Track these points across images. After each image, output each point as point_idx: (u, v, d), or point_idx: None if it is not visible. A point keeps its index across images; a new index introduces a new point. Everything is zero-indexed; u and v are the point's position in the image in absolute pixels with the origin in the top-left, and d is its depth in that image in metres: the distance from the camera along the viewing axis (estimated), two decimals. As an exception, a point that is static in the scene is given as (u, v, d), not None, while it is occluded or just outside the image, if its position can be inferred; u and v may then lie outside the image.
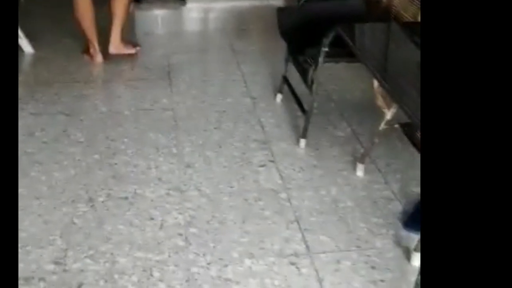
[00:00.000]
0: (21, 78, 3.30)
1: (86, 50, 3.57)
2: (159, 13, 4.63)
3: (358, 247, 2.00)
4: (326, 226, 2.10)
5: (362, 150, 2.53)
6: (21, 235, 2.02)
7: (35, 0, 4.41)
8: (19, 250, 1.94)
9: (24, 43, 3.58)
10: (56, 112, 2.90)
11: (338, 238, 2.04)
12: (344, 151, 2.58)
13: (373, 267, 1.92)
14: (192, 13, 4.64)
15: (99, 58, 3.53)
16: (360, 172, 2.41)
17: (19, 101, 2.99)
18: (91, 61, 3.54)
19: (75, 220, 2.11)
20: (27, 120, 2.82)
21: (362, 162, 2.42)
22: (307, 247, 2.00)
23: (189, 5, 4.71)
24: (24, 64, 3.51)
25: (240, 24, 4.35)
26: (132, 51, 3.63)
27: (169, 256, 1.94)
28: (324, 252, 1.97)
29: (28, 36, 3.59)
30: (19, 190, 2.25)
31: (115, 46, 3.56)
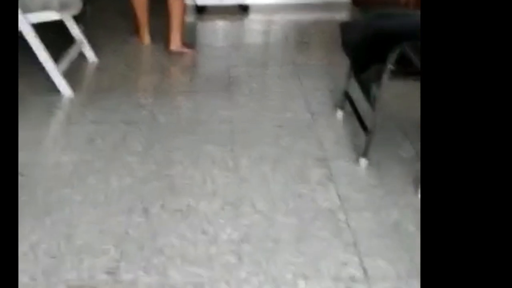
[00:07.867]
0: (84, 85, 3.36)
1: (136, 31, 4.03)
2: (221, 24, 4.64)
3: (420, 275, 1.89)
4: (386, 251, 2.00)
5: (425, 172, 2.42)
6: (77, 242, 2.03)
7: (100, 10, 4.52)
8: (74, 258, 1.95)
9: (88, 51, 3.66)
10: (116, 120, 2.93)
11: (398, 265, 1.93)
12: (406, 172, 2.47)
13: (435, 298, 1.81)
14: (254, 24, 4.63)
15: (147, 39, 3.99)
16: (423, 195, 2.30)
17: (82, 108, 3.04)
18: (140, 42, 4.00)
19: (129, 231, 2.10)
20: (88, 127, 2.85)
21: (426, 185, 2.31)
22: (365, 272, 1.90)
23: (251, 16, 4.71)
24: (88, 72, 3.58)
25: (302, 37, 4.29)
26: (189, 51, 3.88)
27: (221, 273, 1.89)
28: (383, 279, 1.87)
29: (91, 44, 3.67)
30: (77, 198, 2.27)
31: (175, 44, 3.84)
